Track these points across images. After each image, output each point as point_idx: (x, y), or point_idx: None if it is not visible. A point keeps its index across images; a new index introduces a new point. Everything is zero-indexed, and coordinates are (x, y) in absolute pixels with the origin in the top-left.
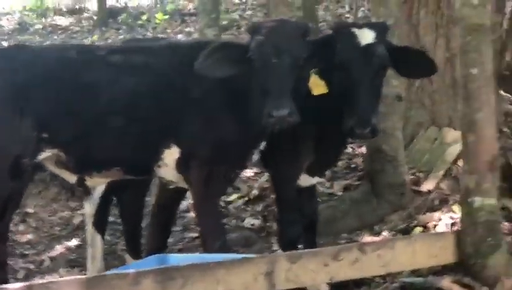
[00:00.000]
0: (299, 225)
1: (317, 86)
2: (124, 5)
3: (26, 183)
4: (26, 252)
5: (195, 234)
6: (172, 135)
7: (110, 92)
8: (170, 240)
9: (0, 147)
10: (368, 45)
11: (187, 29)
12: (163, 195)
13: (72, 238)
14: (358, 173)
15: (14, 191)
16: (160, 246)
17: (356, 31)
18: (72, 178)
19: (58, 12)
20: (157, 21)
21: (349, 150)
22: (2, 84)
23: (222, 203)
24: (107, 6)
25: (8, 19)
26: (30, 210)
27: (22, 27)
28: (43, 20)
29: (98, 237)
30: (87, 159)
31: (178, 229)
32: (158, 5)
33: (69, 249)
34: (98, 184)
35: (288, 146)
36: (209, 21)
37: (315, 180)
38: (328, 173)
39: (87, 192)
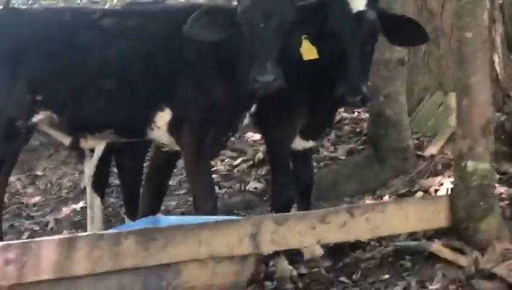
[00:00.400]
0: (292, 189)
1: (309, 51)
2: None
3: (21, 145)
4: (33, 214)
5: None
6: (164, 98)
7: (102, 54)
8: (173, 203)
9: None
10: (360, 12)
11: None
12: (157, 157)
13: (79, 201)
14: (363, 138)
15: (8, 153)
16: (154, 209)
17: None
18: (66, 140)
19: None
20: None
21: (354, 114)
22: None
23: (227, 167)
24: None
25: None
26: (39, 173)
27: None
28: None
29: (97, 199)
30: (79, 121)
31: (182, 192)
32: None
33: (74, 211)
34: (93, 146)
35: (281, 110)
36: None
37: (309, 144)
38: (332, 136)
39: (81, 154)
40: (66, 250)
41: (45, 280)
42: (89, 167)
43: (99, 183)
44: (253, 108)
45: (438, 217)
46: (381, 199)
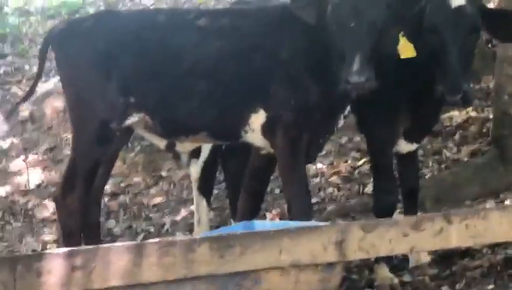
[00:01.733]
0: (394, 194)
1: (406, 49)
2: None
3: (116, 148)
4: (151, 215)
5: (316, 199)
6: (259, 99)
7: (195, 55)
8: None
9: (87, 111)
10: (459, 7)
11: None
12: (256, 161)
13: None
14: (489, 139)
15: (102, 156)
16: (252, 213)
17: None
18: (162, 143)
19: None
20: None
21: (484, 113)
22: (89, 50)
23: (349, 168)
24: None
25: None
26: (164, 173)
27: None
28: None
29: (203, 202)
30: (173, 124)
31: None
32: None
33: (192, 213)
34: (188, 149)
35: (383, 111)
36: None
37: (413, 146)
38: (457, 137)
39: (177, 156)
40: (135, 256)
41: (113, 286)
42: (195, 170)
43: (205, 186)
44: (347, 109)
45: None
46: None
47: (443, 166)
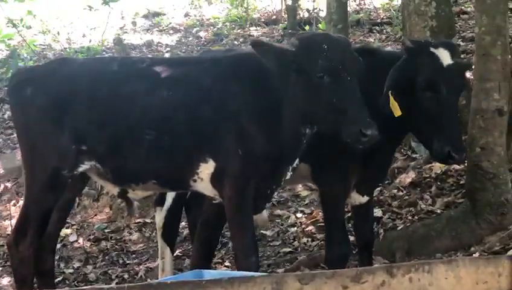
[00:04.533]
0: (346, 245)
1: (395, 108)
2: (314, 14)
3: (71, 194)
4: (129, 262)
5: (289, 249)
6: (207, 149)
7: (144, 104)
8: (264, 253)
9: (39, 159)
10: (450, 65)
11: (370, 39)
12: (208, 209)
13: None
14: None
15: (55, 203)
16: (204, 261)
17: (434, 50)
18: (114, 190)
19: (255, 22)
20: (320, 29)
21: (461, 165)
22: (42, 97)
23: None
24: (299, 16)
25: (207, 30)
26: (148, 220)
27: (218, 37)
28: (239, 30)
29: (167, 249)
30: (123, 172)
31: (277, 244)
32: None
33: None
34: (140, 196)
35: (337, 163)
36: (335, 31)
37: (364, 199)
38: (433, 189)
39: (129, 204)
40: None
41: None
42: (159, 218)
43: (169, 234)
44: (296, 162)
45: (498, 279)
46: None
47: (416, 218)
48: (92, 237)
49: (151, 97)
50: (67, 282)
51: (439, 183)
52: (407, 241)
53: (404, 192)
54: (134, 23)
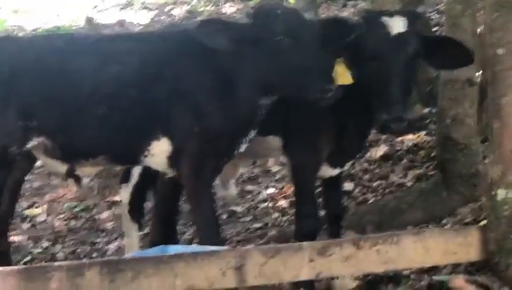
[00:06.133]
0: (316, 219)
1: (343, 75)
2: None
3: (18, 173)
4: (98, 240)
5: (259, 225)
6: (160, 127)
7: (94, 79)
8: (234, 230)
9: None
10: (400, 34)
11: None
12: (163, 185)
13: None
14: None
15: (4, 181)
16: (163, 238)
17: (386, 19)
18: (62, 167)
19: None
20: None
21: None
22: None
23: None
24: None
25: (181, 8)
26: (118, 198)
27: (191, 15)
28: (213, 8)
29: (134, 227)
30: (72, 147)
31: (247, 219)
32: None
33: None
34: (89, 174)
35: (307, 135)
36: (305, 5)
37: (336, 171)
38: (405, 161)
39: (78, 181)
40: (21, 281)
41: None
42: (125, 194)
43: (135, 211)
44: (252, 134)
45: (467, 250)
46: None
47: (387, 191)
48: (61, 216)
49: (100, 72)
50: (34, 262)
51: (410, 155)
52: (377, 215)
53: (375, 165)
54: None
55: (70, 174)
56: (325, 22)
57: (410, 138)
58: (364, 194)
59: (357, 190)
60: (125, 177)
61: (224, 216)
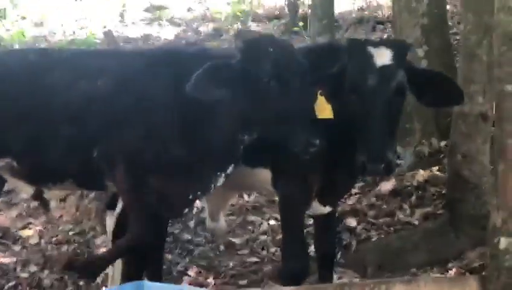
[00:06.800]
0: (302, 259)
1: (323, 109)
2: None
3: None
4: None
5: (255, 259)
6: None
7: (58, 98)
8: (230, 262)
9: None
10: (384, 66)
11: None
12: (123, 214)
13: None
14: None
15: None
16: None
17: (371, 49)
18: (28, 190)
19: (258, 18)
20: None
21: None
22: None
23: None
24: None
25: (207, 25)
26: None
27: (217, 32)
28: (240, 26)
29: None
30: (39, 170)
31: (245, 252)
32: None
33: None
34: (56, 197)
35: (296, 168)
36: (320, 27)
37: (326, 209)
38: (413, 198)
39: (45, 205)
40: None
41: None
42: (110, 222)
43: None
44: (230, 168)
45: None
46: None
47: (392, 229)
48: (54, 239)
49: (67, 90)
50: (19, 288)
51: (419, 192)
52: (380, 255)
53: (383, 201)
54: (122, 15)
55: (37, 196)
56: (310, 49)
57: (421, 173)
58: (367, 231)
59: (360, 226)
60: (112, 204)
61: (222, 247)
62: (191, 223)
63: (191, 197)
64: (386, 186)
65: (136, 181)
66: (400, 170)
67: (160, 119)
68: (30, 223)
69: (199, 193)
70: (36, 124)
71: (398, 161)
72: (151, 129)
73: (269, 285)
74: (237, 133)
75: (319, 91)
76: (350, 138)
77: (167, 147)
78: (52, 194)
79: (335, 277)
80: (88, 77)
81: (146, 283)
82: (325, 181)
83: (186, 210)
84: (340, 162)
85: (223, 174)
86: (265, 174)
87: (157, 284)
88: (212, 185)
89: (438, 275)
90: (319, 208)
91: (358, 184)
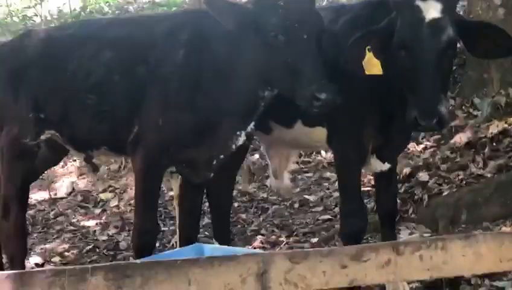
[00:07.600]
0: (361, 218)
1: (371, 65)
2: None
3: (38, 163)
4: (164, 229)
5: (328, 216)
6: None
7: (88, 68)
8: (303, 220)
9: (7, 130)
10: (434, 19)
11: None
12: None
13: None
14: None
15: (25, 173)
16: (189, 235)
17: (420, 3)
18: (79, 155)
19: None
20: None
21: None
22: (2, 69)
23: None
24: None
25: None
26: None
27: None
28: None
29: None
30: (77, 139)
31: (319, 209)
32: None
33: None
34: (105, 162)
35: (351, 127)
36: None
37: (386, 166)
38: (487, 150)
39: (95, 169)
40: (18, 287)
41: None
42: (176, 184)
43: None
44: (250, 127)
45: None
46: None
47: (464, 183)
48: (131, 201)
49: (93, 60)
50: (97, 250)
51: (494, 144)
52: (452, 209)
53: (457, 153)
54: None
55: (88, 161)
56: (359, 4)
57: (496, 124)
58: (439, 185)
59: (432, 181)
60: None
61: (296, 205)
62: (267, 182)
63: (214, 162)
64: (461, 138)
65: (151, 160)
66: (476, 121)
67: (178, 83)
68: (110, 186)
69: (220, 155)
70: (69, 96)
71: (475, 112)
72: (172, 94)
73: (340, 242)
74: (256, 89)
75: (368, 47)
76: (400, 93)
77: (187, 111)
78: (99, 159)
79: (407, 232)
80: (113, 47)
81: (206, 245)
82: (381, 138)
83: (211, 174)
84: (394, 117)
85: (243, 133)
86: (322, 133)
87: (217, 246)
88: (233, 145)
89: (510, 229)
90: (378, 165)
91: (434, 137)
